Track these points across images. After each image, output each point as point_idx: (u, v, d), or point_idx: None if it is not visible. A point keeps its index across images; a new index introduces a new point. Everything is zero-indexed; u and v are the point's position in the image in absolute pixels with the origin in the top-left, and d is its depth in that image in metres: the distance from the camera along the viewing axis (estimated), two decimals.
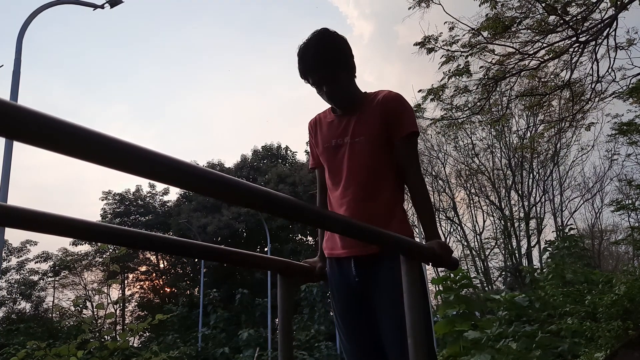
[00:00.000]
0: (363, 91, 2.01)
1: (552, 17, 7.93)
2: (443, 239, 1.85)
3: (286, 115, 52.55)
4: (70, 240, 30.56)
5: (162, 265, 34.45)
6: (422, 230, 1.92)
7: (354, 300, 1.93)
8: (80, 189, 48.45)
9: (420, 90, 9.18)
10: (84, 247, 31.79)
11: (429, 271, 22.85)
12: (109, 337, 5.30)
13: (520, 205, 24.81)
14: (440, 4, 8.10)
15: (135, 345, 24.29)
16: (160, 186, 32.76)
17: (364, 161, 1.91)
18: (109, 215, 32.83)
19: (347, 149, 1.94)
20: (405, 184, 1.96)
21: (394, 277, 1.66)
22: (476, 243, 26.05)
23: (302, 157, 33.94)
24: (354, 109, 1.96)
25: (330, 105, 2.04)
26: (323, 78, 1.87)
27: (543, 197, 24.77)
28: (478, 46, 8.42)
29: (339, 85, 1.89)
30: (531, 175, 24.87)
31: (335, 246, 2.00)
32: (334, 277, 1.99)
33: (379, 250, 1.86)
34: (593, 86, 8.43)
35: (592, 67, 8.10)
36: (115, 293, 32.22)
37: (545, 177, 24.79)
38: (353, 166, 1.92)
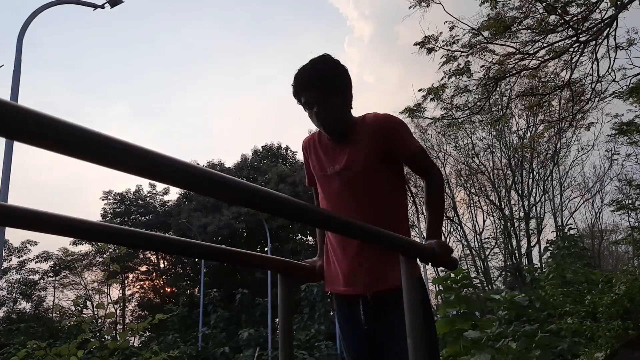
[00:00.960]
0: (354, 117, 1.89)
1: (552, 17, 7.92)
2: (443, 239, 1.83)
3: (286, 115, 52.62)
4: (71, 240, 30.62)
5: (162, 265, 34.48)
6: (423, 229, 1.90)
7: (365, 346, 1.85)
8: (80, 189, 48.53)
9: (420, 90, 9.18)
10: (84, 247, 31.87)
11: (429, 271, 22.85)
12: (109, 337, 5.30)
13: (520, 205, 24.82)
14: (440, 4, 8.10)
15: (135, 344, 24.28)
16: (160, 186, 32.80)
17: (358, 195, 1.83)
18: (109, 215, 32.85)
19: (342, 180, 1.86)
20: (424, 186, 1.91)
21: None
22: (476, 243, 26.07)
23: (302, 156, 33.90)
24: (346, 137, 1.86)
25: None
26: (314, 98, 1.77)
27: (543, 197, 24.80)
28: (478, 46, 8.42)
29: (330, 109, 1.77)
30: (531, 175, 24.88)
31: (336, 280, 1.88)
32: (340, 317, 1.92)
33: (388, 288, 1.73)
34: (593, 86, 8.43)
35: (592, 67, 8.11)
36: (115, 293, 32.22)
37: (545, 177, 24.81)
38: (348, 200, 1.84)
